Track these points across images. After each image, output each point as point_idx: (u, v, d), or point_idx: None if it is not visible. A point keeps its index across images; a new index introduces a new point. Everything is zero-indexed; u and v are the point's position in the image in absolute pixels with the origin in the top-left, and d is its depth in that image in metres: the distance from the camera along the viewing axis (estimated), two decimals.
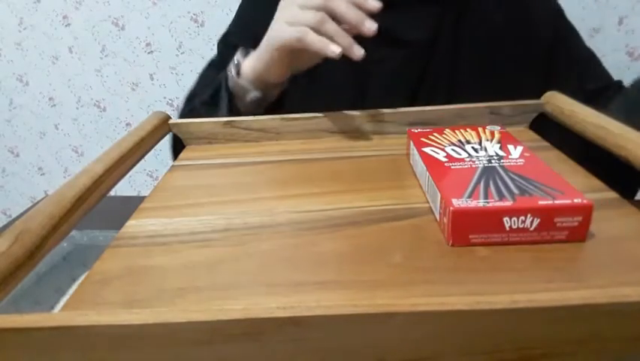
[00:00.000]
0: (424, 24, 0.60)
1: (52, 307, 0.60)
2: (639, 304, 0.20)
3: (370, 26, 0.45)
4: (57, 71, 1.51)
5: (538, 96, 0.50)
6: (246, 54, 0.55)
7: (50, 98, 1.55)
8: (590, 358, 0.21)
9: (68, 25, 1.45)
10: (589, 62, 0.66)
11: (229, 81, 0.55)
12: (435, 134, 0.41)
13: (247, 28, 0.66)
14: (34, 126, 1.60)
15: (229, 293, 0.26)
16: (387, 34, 0.60)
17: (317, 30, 0.45)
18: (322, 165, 0.43)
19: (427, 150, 0.38)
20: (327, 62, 0.48)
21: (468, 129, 0.42)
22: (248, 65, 0.53)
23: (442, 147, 0.38)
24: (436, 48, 0.61)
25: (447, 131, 0.42)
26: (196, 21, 1.40)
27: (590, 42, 0.67)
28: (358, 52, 0.45)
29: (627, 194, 0.36)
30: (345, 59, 0.45)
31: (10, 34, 1.48)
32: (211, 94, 0.57)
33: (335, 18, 0.46)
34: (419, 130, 0.42)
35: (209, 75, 0.71)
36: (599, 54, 0.68)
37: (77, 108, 1.56)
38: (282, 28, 0.48)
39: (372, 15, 0.47)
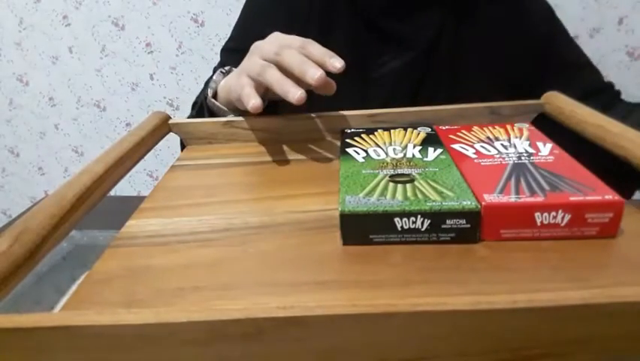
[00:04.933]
0: (426, 26, 0.61)
1: (52, 307, 0.60)
2: (639, 304, 0.20)
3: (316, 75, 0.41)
4: (57, 71, 1.51)
5: (533, 95, 0.50)
6: (226, 73, 0.54)
7: (50, 98, 1.55)
8: (590, 358, 0.21)
9: (68, 25, 1.45)
10: (580, 65, 0.66)
11: (207, 100, 0.55)
12: (463, 131, 0.42)
13: (249, 34, 0.64)
14: (34, 126, 1.60)
15: (229, 293, 0.26)
16: (392, 37, 0.60)
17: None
18: (322, 165, 0.43)
19: (455, 146, 0.38)
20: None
21: (496, 127, 0.42)
22: (223, 86, 0.52)
23: (471, 143, 0.39)
24: (438, 50, 0.61)
25: (475, 128, 0.42)
26: (196, 21, 1.40)
27: (590, 42, 0.67)
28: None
29: (626, 194, 0.36)
30: (348, 64, 0.42)
31: (10, 34, 1.48)
32: (197, 110, 0.58)
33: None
34: (447, 127, 0.43)
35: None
36: (598, 54, 0.68)
37: (77, 108, 1.56)
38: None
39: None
